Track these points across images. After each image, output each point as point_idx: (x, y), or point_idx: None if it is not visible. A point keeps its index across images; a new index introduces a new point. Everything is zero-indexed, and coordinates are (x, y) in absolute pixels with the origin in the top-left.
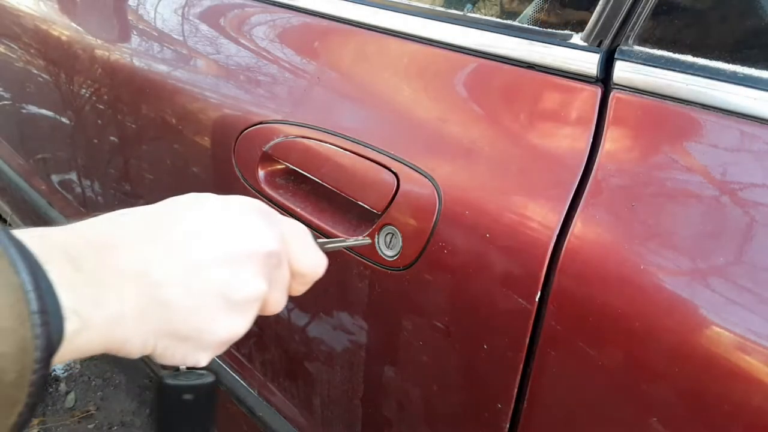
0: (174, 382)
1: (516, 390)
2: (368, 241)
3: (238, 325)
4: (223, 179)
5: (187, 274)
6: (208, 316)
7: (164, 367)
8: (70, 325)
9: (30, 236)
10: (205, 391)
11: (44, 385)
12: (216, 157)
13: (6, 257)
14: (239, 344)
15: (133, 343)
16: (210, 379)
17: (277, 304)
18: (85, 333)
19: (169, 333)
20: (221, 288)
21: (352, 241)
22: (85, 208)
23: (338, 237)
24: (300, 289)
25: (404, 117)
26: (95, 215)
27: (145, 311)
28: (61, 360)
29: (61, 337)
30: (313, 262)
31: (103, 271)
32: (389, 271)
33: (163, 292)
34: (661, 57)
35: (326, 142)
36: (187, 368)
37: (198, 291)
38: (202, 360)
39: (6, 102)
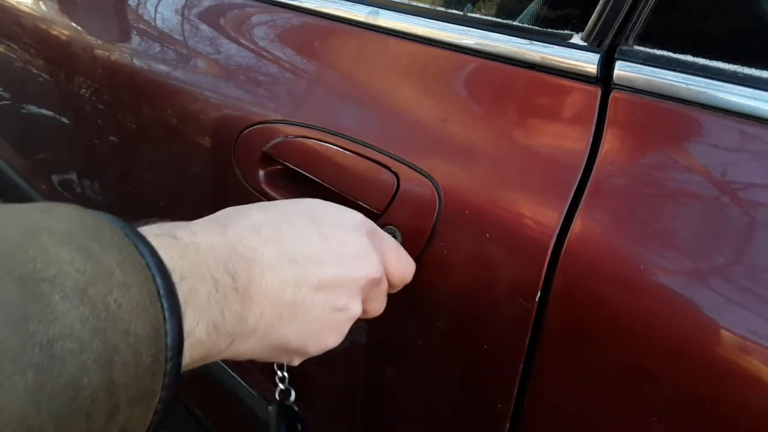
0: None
1: (516, 390)
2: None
3: (333, 341)
4: (223, 179)
5: (310, 295)
6: (316, 333)
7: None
8: (206, 338)
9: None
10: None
11: (178, 379)
12: (216, 157)
13: (131, 243)
14: None
15: (250, 353)
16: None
17: (376, 311)
18: (217, 349)
19: (281, 346)
20: (332, 309)
21: None
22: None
23: None
24: (390, 292)
25: (404, 117)
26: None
27: (272, 329)
28: (191, 362)
29: (183, 330)
30: (406, 270)
31: (251, 288)
32: None
33: (289, 311)
34: (661, 57)
35: (326, 142)
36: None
37: (316, 312)
38: (296, 362)
39: (6, 102)
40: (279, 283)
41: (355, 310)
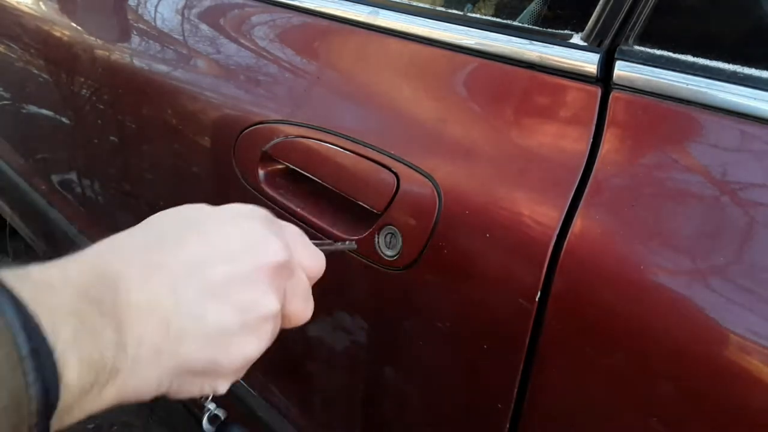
0: None
1: (516, 390)
2: (354, 246)
3: (253, 348)
4: (222, 179)
5: (198, 301)
6: (223, 343)
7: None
8: (78, 380)
9: (25, 285)
10: None
11: None
12: (216, 157)
13: None
14: None
15: (148, 387)
16: None
17: (301, 314)
18: (99, 388)
19: (185, 369)
20: (233, 311)
21: (339, 245)
22: (85, 208)
23: (338, 236)
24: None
25: (404, 117)
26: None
27: (160, 351)
28: (70, 419)
29: (58, 386)
30: (316, 263)
31: (119, 310)
32: (389, 271)
33: (175, 325)
34: (661, 57)
35: (326, 142)
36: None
37: (211, 318)
38: (221, 388)
39: (6, 102)
40: (151, 298)
41: (269, 305)
